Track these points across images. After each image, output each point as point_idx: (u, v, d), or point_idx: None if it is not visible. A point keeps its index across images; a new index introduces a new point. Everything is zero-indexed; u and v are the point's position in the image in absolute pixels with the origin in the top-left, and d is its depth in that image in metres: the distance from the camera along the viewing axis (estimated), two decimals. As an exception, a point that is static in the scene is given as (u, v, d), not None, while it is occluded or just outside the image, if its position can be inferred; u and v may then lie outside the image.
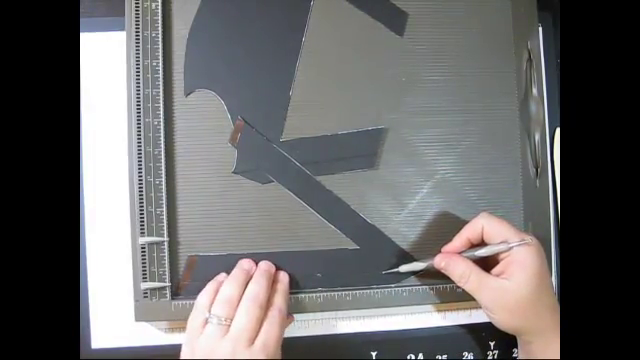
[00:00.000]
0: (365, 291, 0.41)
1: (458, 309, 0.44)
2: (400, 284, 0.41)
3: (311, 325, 0.43)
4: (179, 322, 0.41)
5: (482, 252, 0.37)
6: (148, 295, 0.39)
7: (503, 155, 0.43)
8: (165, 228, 0.39)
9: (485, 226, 0.37)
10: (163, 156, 0.39)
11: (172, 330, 0.42)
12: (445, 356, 0.44)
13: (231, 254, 0.40)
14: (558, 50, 0.45)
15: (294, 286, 0.40)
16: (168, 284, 0.39)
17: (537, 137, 0.43)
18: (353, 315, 0.43)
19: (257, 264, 0.39)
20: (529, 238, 0.35)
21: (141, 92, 0.39)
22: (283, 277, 0.39)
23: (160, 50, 0.39)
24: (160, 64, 0.39)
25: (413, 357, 0.44)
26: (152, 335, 0.42)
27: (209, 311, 0.35)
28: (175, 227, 0.40)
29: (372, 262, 0.41)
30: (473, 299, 0.36)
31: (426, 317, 0.44)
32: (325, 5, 0.42)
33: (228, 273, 0.38)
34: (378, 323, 0.43)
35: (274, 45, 0.41)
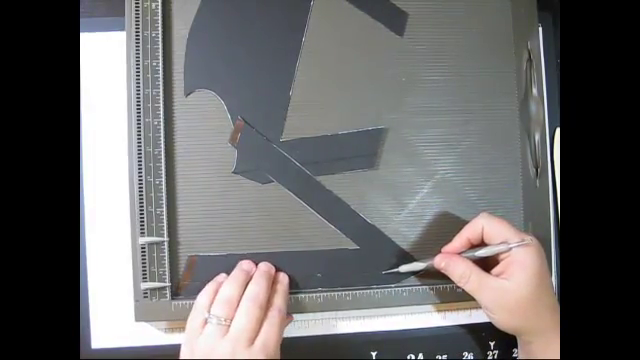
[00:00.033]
0: (365, 291, 0.41)
1: (458, 309, 0.44)
2: (400, 284, 0.41)
3: (311, 325, 0.43)
4: (179, 322, 0.41)
5: (482, 252, 0.37)
6: (148, 295, 0.39)
7: (503, 155, 0.43)
8: (165, 228, 0.39)
9: (485, 226, 0.37)
10: (163, 156, 0.39)
11: (172, 330, 0.42)
12: (445, 356, 0.44)
13: (231, 254, 0.40)
14: (558, 50, 0.45)
15: (294, 286, 0.40)
16: (168, 284, 0.39)
17: (537, 137, 0.43)
18: (353, 315, 0.43)
19: (257, 265, 0.39)
20: (529, 238, 0.35)
21: (141, 92, 0.39)
22: (283, 278, 0.39)
23: (160, 50, 0.39)
24: (160, 64, 0.39)
25: (413, 357, 0.44)
26: (152, 335, 0.42)
27: (209, 311, 0.35)
28: (175, 227, 0.40)
29: (372, 262, 0.41)
30: (473, 299, 0.37)
31: (426, 317, 0.44)
32: (325, 5, 0.42)
33: (228, 273, 0.38)
34: (378, 323, 0.43)
35: (274, 45, 0.41)
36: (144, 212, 0.39)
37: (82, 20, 0.41)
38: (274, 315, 0.36)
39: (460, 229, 0.38)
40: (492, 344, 0.44)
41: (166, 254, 0.39)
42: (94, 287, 0.41)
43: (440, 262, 0.38)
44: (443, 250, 0.39)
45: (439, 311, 0.44)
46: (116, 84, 0.40)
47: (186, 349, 0.35)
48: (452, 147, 0.42)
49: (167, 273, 0.39)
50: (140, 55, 0.39)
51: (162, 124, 0.39)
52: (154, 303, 0.39)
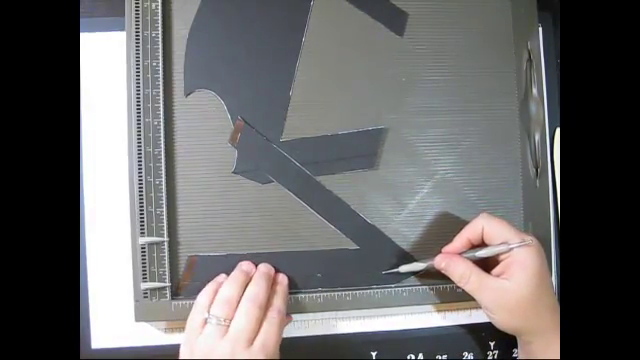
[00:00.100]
0: (365, 291, 0.41)
1: (458, 309, 0.44)
2: (400, 284, 0.41)
3: (311, 325, 0.43)
4: (179, 322, 0.40)
5: (482, 253, 0.37)
6: (148, 295, 0.39)
7: (503, 155, 0.43)
8: (165, 228, 0.39)
9: (485, 227, 0.37)
10: (163, 156, 0.39)
11: (172, 330, 0.42)
12: (445, 356, 0.44)
13: (231, 254, 0.40)
14: (558, 50, 0.45)
15: (294, 286, 0.40)
16: (168, 284, 0.39)
17: (537, 137, 0.43)
18: (353, 315, 0.43)
19: (256, 266, 0.39)
20: (529, 239, 0.35)
21: (141, 92, 0.39)
22: (282, 279, 0.39)
23: (160, 50, 0.39)
24: (160, 64, 0.39)
25: (413, 357, 0.44)
26: (152, 335, 0.42)
27: (208, 311, 0.35)
28: (175, 227, 0.40)
29: (372, 262, 0.41)
30: (473, 299, 0.37)
31: (426, 317, 0.44)
32: (325, 5, 0.42)
33: (228, 274, 0.38)
34: (378, 323, 0.43)
35: (274, 45, 0.41)
36: (144, 212, 0.39)
37: (82, 20, 0.41)
38: (274, 316, 0.36)
39: (460, 229, 0.38)
40: (492, 344, 0.44)
41: (166, 254, 0.39)
42: (94, 287, 0.41)
43: (440, 262, 0.38)
44: (443, 250, 0.39)
45: (439, 311, 0.44)
46: (116, 84, 0.40)
47: (186, 349, 0.35)
48: (452, 147, 0.42)
49: (167, 273, 0.39)
50: (140, 55, 0.39)
51: (162, 124, 0.39)
52: (154, 303, 0.39)
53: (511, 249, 0.35)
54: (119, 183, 0.40)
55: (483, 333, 0.44)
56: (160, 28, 0.39)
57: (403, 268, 0.40)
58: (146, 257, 0.39)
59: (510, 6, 0.43)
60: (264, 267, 0.39)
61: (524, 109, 0.43)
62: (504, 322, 0.36)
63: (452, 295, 0.41)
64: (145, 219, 0.39)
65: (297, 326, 0.43)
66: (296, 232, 0.41)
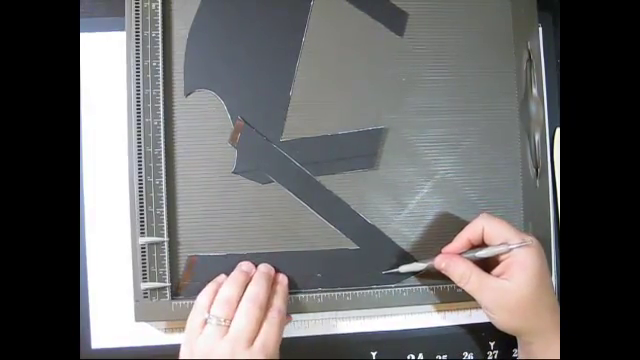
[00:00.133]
0: (365, 291, 0.41)
1: (458, 309, 0.44)
2: (400, 284, 0.41)
3: (311, 325, 0.43)
4: (179, 322, 0.40)
5: (482, 253, 0.37)
6: (148, 295, 0.39)
7: (503, 155, 0.43)
8: (165, 228, 0.39)
9: (485, 227, 0.37)
10: (163, 156, 0.39)
11: (172, 330, 0.42)
12: (445, 356, 0.44)
13: (231, 254, 0.40)
14: (558, 50, 0.45)
15: (294, 286, 0.40)
16: (168, 284, 0.39)
17: (537, 137, 0.43)
18: (353, 315, 0.43)
19: (256, 267, 0.40)
20: (529, 239, 0.35)
21: (141, 92, 0.39)
22: (282, 279, 0.39)
23: (160, 50, 0.39)
24: (160, 64, 0.39)
25: (413, 357, 0.44)
26: (152, 335, 0.42)
27: (208, 312, 0.35)
28: (175, 227, 0.40)
29: (372, 262, 0.41)
30: (473, 299, 0.37)
31: (426, 317, 0.44)
32: (325, 5, 0.42)
33: (228, 274, 0.38)
34: (378, 323, 0.43)
35: (274, 45, 0.41)
36: (144, 212, 0.39)
37: (82, 20, 0.41)
38: (274, 316, 0.36)
39: (460, 229, 0.38)
40: (492, 344, 0.44)
41: (166, 254, 0.39)
42: (94, 287, 0.41)
43: (440, 262, 0.38)
44: (443, 251, 0.39)
45: (439, 311, 0.44)
46: (116, 84, 0.40)
47: (186, 349, 0.35)
48: (452, 147, 0.42)
49: (167, 273, 0.39)
50: (140, 55, 0.39)
51: (162, 124, 0.39)
52: (154, 303, 0.39)
53: (511, 249, 0.35)
54: (119, 183, 0.40)
55: (483, 333, 0.44)
56: (160, 28, 0.39)
57: (403, 268, 0.40)
58: (146, 257, 0.39)
59: (510, 6, 0.43)
60: (264, 267, 0.39)
61: (524, 109, 0.43)
62: (504, 322, 0.36)
63: (452, 295, 0.41)
64: (145, 219, 0.39)
65: (297, 326, 0.43)
66: (296, 232, 0.41)
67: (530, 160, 0.43)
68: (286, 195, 0.41)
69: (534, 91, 0.43)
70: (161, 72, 0.39)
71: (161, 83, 0.39)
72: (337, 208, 0.41)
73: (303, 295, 0.40)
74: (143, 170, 0.39)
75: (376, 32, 0.42)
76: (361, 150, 0.41)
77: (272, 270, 0.40)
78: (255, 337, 0.34)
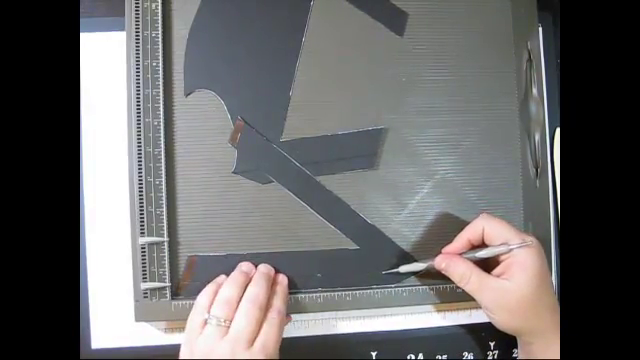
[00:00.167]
0: (365, 291, 0.41)
1: (458, 309, 0.44)
2: (400, 284, 0.41)
3: (311, 325, 0.43)
4: (179, 322, 0.40)
5: (483, 253, 0.37)
6: (148, 295, 0.39)
7: (503, 155, 0.43)
8: (165, 228, 0.39)
9: (485, 227, 0.37)
10: (163, 156, 0.39)
11: (172, 330, 0.42)
12: (445, 356, 0.44)
13: (231, 254, 0.40)
14: (558, 50, 0.45)
15: (294, 286, 0.40)
16: (168, 284, 0.39)
17: (537, 137, 0.43)
18: (353, 315, 0.43)
19: (256, 267, 0.40)
20: (530, 239, 0.35)
21: (141, 92, 0.39)
22: (282, 279, 0.39)
23: (160, 50, 0.39)
24: (160, 64, 0.39)
25: (413, 357, 0.44)
26: (152, 335, 0.42)
27: (208, 312, 0.35)
28: (175, 227, 0.40)
29: (372, 262, 0.41)
30: (473, 299, 0.37)
31: (426, 317, 0.44)
32: (325, 5, 0.42)
33: (228, 274, 0.39)
34: (378, 323, 0.43)
35: (274, 45, 0.41)
36: (144, 212, 0.39)
37: (82, 20, 0.41)
38: (274, 316, 0.36)
39: (460, 229, 0.38)
40: (492, 344, 0.44)
41: (166, 254, 0.39)
42: (94, 287, 0.41)
43: (441, 263, 0.38)
44: (443, 251, 0.39)
45: (439, 311, 0.44)
46: (116, 84, 0.40)
47: (186, 349, 0.35)
48: (452, 147, 0.42)
49: (167, 273, 0.39)
50: (140, 55, 0.39)
51: (162, 124, 0.39)
52: (154, 303, 0.39)
53: (511, 250, 0.35)
54: (119, 183, 0.40)
55: (483, 333, 0.44)
56: (160, 28, 0.39)
57: (403, 268, 0.40)
58: (146, 257, 0.39)
59: (510, 6, 0.43)
60: (264, 268, 0.39)
61: (524, 109, 0.43)
62: (504, 322, 0.36)
63: (452, 295, 0.41)
64: (145, 219, 0.39)
65: (297, 326, 0.43)
66: (296, 232, 0.41)
67: (530, 160, 0.43)
68: (286, 195, 0.41)
69: (534, 91, 0.43)
70: (161, 72, 0.39)
71: (161, 83, 0.39)
72: (337, 208, 0.41)
73: (303, 295, 0.40)
74: (143, 170, 0.39)
75: (376, 32, 0.42)
76: (361, 150, 0.41)
77: (272, 271, 0.40)
78: (255, 338, 0.34)
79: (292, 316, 0.41)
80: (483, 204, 0.42)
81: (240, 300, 0.35)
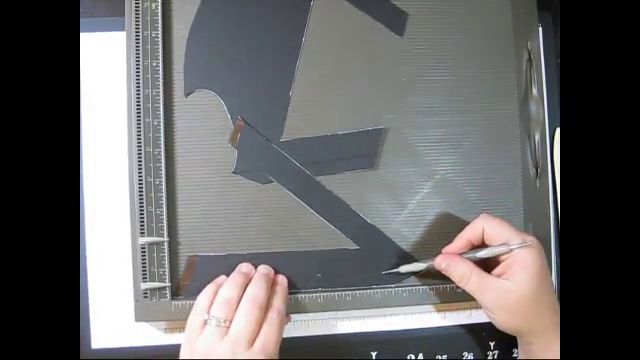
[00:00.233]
0: (365, 291, 0.41)
1: (458, 309, 0.44)
2: (400, 284, 0.41)
3: (311, 325, 0.43)
4: (179, 322, 0.40)
5: (483, 254, 0.36)
6: (148, 295, 0.39)
7: (503, 155, 0.43)
8: (165, 228, 0.39)
9: (486, 227, 0.37)
10: (163, 156, 0.39)
11: (172, 330, 0.42)
12: (445, 356, 0.44)
13: (231, 254, 0.40)
14: (558, 50, 0.45)
15: (294, 286, 0.40)
16: (168, 284, 0.39)
17: (537, 137, 0.43)
18: (353, 315, 0.43)
19: (256, 268, 0.40)
20: (530, 239, 0.35)
21: (141, 92, 0.39)
22: (282, 280, 0.39)
23: (160, 50, 0.39)
24: (160, 64, 0.39)
25: (413, 357, 0.44)
26: (152, 335, 0.42)
27: (208, 312, 0.35)
28: (175, 227, 0.40)
29: (372, 262, 0.41)
30: (473, 299, 0.37)
31: (426, 317, 0.44)
32: (325, 5, 0.42)
33: (228, 274, 0.39)
34: (378, 323, 0.43)
35: (274, 45, 0.41)
36: (144, 212, 0.39)
37: (82, 20, 0.41)
38: (273, 316, 0.36)
39: (460, 229, 0.38)
40: (492, 344, 0.44)
41: (166, 254, 0.39)
42: (94, 287, 0.41)
43: (441, 263, 0.38)
44: (444, 251, 0.39)
45: (439, 311, 0.44)
46: (116, 84, 0.40)
47: (186, 349, 0.35)
48: (452, 147, 0.42)
49: (167, 273, 0.39)
50: (140, 55, 0.39)
51: (162, 124, 0.39)
52: (154, 303, 0.39)
53: (511, 250, 0.35)
54: (119, 183, 0.40)
55: (483, 333, 0.44)
56: (160, 28, 0.39)
57: (403, 268, 0.40)
58: (146, 257, 0.39)
59: (510, 6, 0.43)
60: (263, 268, 0.39)
61: (524, 109, 0.43)
62: (505, 322, 0.36)
63: (452, 295, 0.41)
64: (145, 219, 0.39)
65: (297, 326, 0.43)
66: (296, 232, 0.41)
67: (530, 160, 0.43)
68: (286, 195, 0.41)
69: (534, 91, 0.43)
70: (161, 72, 0.39)
71: (161, 83, 0.39)
72: (337, 208, 0.41)
73: (303, 295, 0.40)
74: (143, 170, 0.39)
75: (376, 32, 0.42)
76: (361, 150, 0.41)
77: (271, 271, 0.40)
78: (255, 338, 0.34)
79: (292, 316, 0.41)
80: (483, 204, 0.42)
81: (240, 300, 0.35)
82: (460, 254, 0.38)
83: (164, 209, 0.39)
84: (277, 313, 0.36)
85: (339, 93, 0.42)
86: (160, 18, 0.39)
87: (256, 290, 0.36)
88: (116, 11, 0.40)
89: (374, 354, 0.43)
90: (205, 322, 0.35)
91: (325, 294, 0.40)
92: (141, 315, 0.39)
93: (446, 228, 0.41)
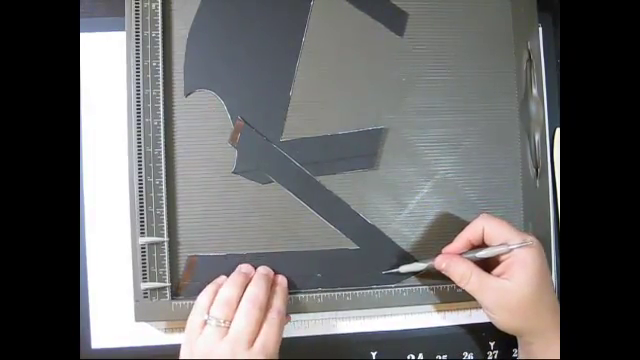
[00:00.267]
0: (365, 291, 0.41)
1: (458, 309, 0.44)
2: (400, 284, 0.41)
3: (311, 325, 0.43)
4: (179, 322, 0.40)
5: (483, 254, 0.36)
6: (148, 295, 0.39)
7: (503, 155, 0.43)
8: (165, 228, 0.39)
9: (486, 227, 0.37)
10: (163, 156, 0.39)
11: (172, 330, 0.42)
12: (445, 356, 0.44)
13: (231, 254, 0.40)
14: (558, 50, 0.45)
15: (294, 286, 0.40)
16: (168, 284, 0.39)
17: (537, 137, 0.43)
18: (353, 315, 0.43)
19: (256, 269, 0.40)
20: (530, 239, 0.35)
21: (141, 92, 0.39)
22: (281, 280, 0.39)
23: (160, 50, 0.39)
24: (160, 64, 0.39)
25: (413, 357, 0.44)
26: (152, 335, 0.42)
27: (208, 312, 0.35)
28: (175, 227, 0.40)
29: (372, 262, 0.41)
30: (473, 299, 0.37)
31: (426, 317, 0.44)
32: (325, 5, 0.42)
33: (228, 274, 0.39)
34: (378, 323, 0.43)
35: (274, 45, 0.41)
36: (144, 212, 0.39)
37: (82, 20, 0.41)
38: (273, 317, 0.36)
39: (460, 229, 0.38)
40: (492, 344, 0.44)
41: (166, 254, 0.39)
42: (94, 287, 0.41)
43: (441, 263, 0.38)
44: (444, 251, 0.39)
45: (439, 311, 0.44)
46: (116, 84, 0.40)
47: (186, 349, 0.35)
48: (452, 147, 0.42)
49: (167, 273, 0.39)
50: (140, 55, 0.39)
51: (162, 124, 0.39)
52: (154, 303, 0.39)
53: (511, 250, 0.35)
54: (119, 183, 0.40)
55: (483, 333, 0.44)
56: (160, 28, 0.39)
57: (403, 268, 0.40)
58: (146, 257, 0.39)
59: (510, 6, 0.43)
60: (263, 269, 0.39)
61: (524, 109, 0.43)
62: (505, 322, 0.36)
63: (452, 295, 0.41)
64: (145, 219, 0.39)
65: (297, 326, 0.43)
66: (296, 232, 0.41)
67: (530, 160, 0.43)
68: (286, 195, 0.41)
69: (534, 91, 0.43)
70: (161, 72, 0.39)
71: (161, 83, 0.39)
72: (337, 208, 0.41)
73: (303, 295, 0.40)
74: (143, 170, 0.39)
75: (376, 32, 0.42)
76: (361, 150, 0.41)
77: (271, 272, 0.40)
78: (255, 338, 0.34)
79: (292, 316, 0.41)
80: (483, 204, 0.42)
81: (240, 301, 0.35)
82: (460, 254, 0.38)
83: (164, 209, 0.39)
84: (277, 313, 0.36)
85: (339, 93, 0.42)
86: (160, 18, 0.39)
87: (256, 290, 0.36)
88: (116, 11, 0.40)
89: (374, 354, 0.43)
90: (205, 322, 0.35)
91: (325, 294, 0.40)
92: (141, 315, 0.39)
93: (446, 228, 0.41)
